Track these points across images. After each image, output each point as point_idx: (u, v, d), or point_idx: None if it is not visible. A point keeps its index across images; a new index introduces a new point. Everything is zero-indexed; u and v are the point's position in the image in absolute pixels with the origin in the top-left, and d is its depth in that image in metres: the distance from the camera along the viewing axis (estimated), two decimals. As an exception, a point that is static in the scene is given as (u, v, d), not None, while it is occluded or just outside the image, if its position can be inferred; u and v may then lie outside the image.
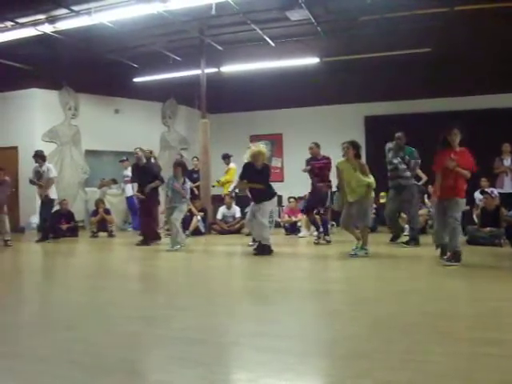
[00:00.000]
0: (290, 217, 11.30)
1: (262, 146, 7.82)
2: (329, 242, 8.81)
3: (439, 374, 2.43)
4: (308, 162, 9.21)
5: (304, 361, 2.71)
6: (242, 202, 10.67)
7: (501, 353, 2.73)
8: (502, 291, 4.64)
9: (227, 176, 12.15)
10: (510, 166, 10.34)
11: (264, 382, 2.41)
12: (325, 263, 6.98)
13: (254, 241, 8.22)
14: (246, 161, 7.75)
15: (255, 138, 15.56)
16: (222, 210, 11.69)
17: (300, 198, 11.92)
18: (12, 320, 3.76)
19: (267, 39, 11.67)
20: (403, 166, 8.39)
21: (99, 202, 11.84)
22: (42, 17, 9.94)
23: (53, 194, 10.45)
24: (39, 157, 10.38)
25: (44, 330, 3.49)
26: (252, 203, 7.80)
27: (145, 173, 9.61)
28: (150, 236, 9.43)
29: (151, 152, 10.58)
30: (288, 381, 2.44)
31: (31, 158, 10.46)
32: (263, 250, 7.55)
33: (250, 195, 7.96)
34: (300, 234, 10.38)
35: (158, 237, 9.63)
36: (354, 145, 7.60)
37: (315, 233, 9.32)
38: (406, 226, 9.98)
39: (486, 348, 2.82)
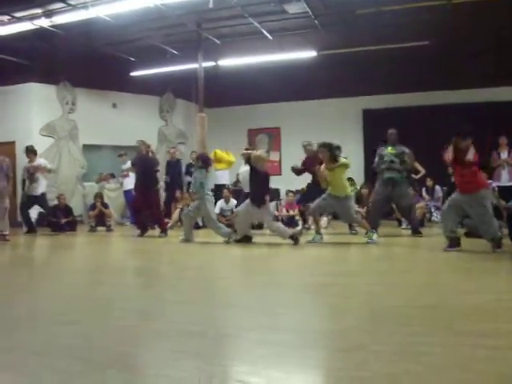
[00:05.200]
0: (288, 211, 11.31)
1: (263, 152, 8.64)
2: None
3: (438, 366, 2.44)
4: (304, 162, 9.89)
5: (303, 353, 2.72)
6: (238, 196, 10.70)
7: (500, 344, 2.74)
8: (499, 283, 4.66)
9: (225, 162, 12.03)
10: (506, 159, 10.36)
11: (263, 375, 2.42)
12: (320, 256, 6.99)
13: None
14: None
15: (254, 133, 15.64)
16: (220, 203, 11.68)
17: (298, 192, 11.94)
18: (10, 314, 3.76)
19: (265, 32, 11.64)
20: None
21: (97, 196, 11.83)
22: (38, 11, 9.90)
23: (42, 188, 10.77)
24: (31, 152, 10.61)
25: (42, 324, 3.49)
26: (248, 203, 8.17)
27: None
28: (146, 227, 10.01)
29: (149, 146, 10.60)
30: (287, 373, 2.45)
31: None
32: (296, 240, 7.88)
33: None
34: (298, 228, 10.38)
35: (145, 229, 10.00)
36: (329, 147, 8.02)
37: (306, 225, 9.73)
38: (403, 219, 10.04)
39: (484, 340, 2.84)
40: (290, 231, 8.18)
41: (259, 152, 8.48)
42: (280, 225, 8.52)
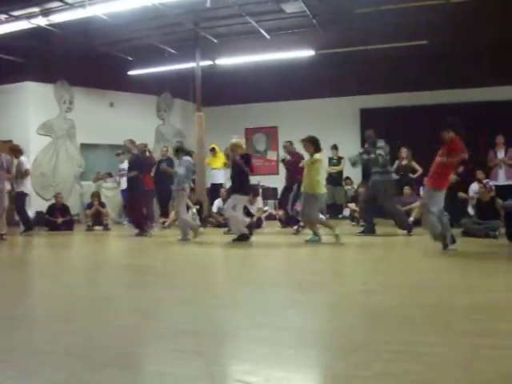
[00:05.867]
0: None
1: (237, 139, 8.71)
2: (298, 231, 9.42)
3: (438, 365, 2.45)
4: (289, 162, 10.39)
5: (303, 352, 2.73)
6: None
7: (499, 343, 2.76)
8: (496, 283, 4.68)
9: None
10: (503, 159, 10.37)
11: (263, 374, 2.43)
12: (318, 256, 7.00)
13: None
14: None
15: (251, 132, 15.63)
16: (218, 202, 11.68)
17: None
18: (8, 313, 3.75)
19: (262, 32, 11.64)
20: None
21: (94, 195, 11.82)
22: (36, 9, 9.89)
23: (26, 188, 10.54)
24: (16, 151, 10.57)
25: (41, 323, 3.50)
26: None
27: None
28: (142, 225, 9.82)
29: (146, 145, 10.59)
30: (287, 372, 2.46)
31: (24, 151, 10.66)
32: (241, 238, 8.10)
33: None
34: (295, 227, 10.38)
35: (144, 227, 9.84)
36: (313, 141, 7.93)
37: (295, 226, 9.63)
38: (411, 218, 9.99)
39: (484, 339, 2.85)
40: (245, 228, 8.21)
41: (234, 139, 8.56)
42: (237, 218, 8.24)
